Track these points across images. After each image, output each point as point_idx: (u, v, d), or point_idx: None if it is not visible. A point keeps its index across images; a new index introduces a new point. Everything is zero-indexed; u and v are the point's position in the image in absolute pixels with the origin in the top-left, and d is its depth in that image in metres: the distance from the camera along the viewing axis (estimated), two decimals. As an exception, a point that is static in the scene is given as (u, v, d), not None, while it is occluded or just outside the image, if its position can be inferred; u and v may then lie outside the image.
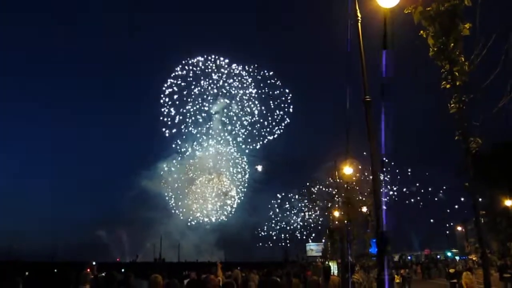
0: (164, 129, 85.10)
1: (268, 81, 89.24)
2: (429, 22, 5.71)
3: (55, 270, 60.81)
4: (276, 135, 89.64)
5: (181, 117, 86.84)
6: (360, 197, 25.98)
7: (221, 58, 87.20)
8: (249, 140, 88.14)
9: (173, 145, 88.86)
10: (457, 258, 77.00)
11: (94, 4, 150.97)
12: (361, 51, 8.07)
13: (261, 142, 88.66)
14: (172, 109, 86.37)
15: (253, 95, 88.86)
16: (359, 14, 8.33)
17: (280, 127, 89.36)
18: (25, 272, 54.82)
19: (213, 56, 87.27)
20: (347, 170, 22.48)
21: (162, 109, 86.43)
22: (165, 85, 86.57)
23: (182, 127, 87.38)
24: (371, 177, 8.42)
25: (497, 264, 31.95)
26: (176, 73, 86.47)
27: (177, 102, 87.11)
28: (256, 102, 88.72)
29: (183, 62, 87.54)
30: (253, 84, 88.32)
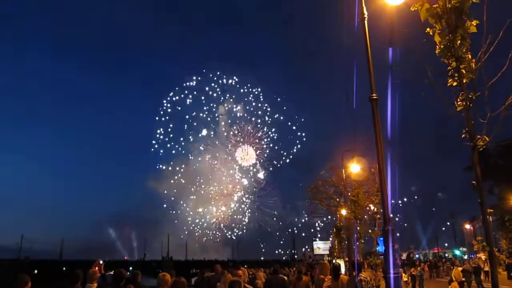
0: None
1: (278, 104, 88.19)
2: (435, 20, 5.68)
3: (63, 268, 61.27)
4: (287, 160, 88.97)
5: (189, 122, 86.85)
6: (372, 193, 25.79)
7: (234, 78, 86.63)
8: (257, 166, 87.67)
9: (180, 148, 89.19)
10: (465, 256, 76.50)
11: (95, 23, 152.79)
12: (368, 48, 8.04)
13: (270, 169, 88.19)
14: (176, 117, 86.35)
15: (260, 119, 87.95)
16: (365, 12, 8.29)
17: (290, 152, 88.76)
18: (34, 270, 55.29)
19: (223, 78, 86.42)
20: (354, 168, 22.43)
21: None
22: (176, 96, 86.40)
23: (190, 132, 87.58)
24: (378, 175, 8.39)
25: (505, 263, 31.71)
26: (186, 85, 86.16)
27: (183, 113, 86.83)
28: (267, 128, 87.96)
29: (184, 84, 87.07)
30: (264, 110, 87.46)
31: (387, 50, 7.54)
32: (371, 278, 22.18)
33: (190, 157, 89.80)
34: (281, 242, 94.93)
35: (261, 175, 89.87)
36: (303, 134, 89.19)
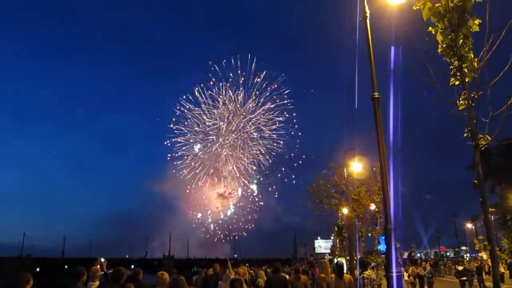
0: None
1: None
2: (438, 19, 5.67)
3: (66, 266, 61.44)
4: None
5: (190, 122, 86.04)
6: (374, 192, 25.72)
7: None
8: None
9: (180, 149, 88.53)
10: (466, 255, 76.42)
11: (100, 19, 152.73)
12: (370, 47, 8.01)
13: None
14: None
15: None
16: (367, 11, 8.26)
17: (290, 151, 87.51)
18: (36, 268, 55.42)
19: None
20: (356, 167, 22.40)
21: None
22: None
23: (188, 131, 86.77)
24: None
25: (507, 262, 31.71)
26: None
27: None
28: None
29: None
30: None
31: (389, 49, 7.52)
32: (376, 277, 22.15)
33: (190, 158, 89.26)
34: (282, 241, 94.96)
35: (254, 186, 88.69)
36: (301, 133, 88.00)
